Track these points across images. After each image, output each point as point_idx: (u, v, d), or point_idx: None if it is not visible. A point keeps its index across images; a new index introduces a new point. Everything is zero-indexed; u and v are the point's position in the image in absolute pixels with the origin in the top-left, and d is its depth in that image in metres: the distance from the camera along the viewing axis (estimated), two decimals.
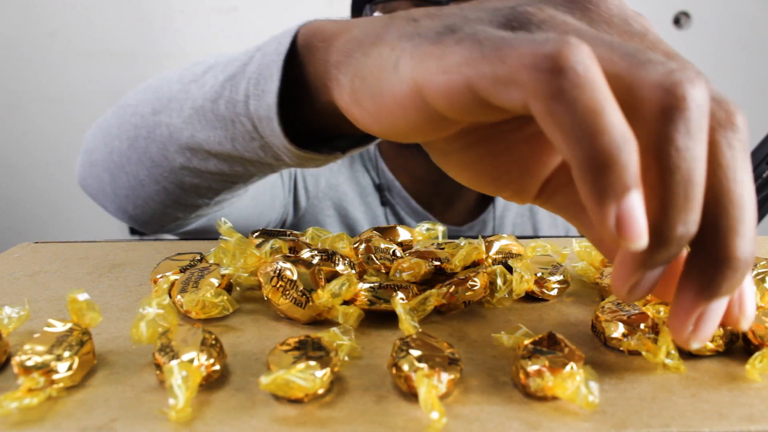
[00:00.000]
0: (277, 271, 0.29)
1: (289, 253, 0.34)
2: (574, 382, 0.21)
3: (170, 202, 0.46)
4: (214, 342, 0.24)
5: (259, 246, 0.34)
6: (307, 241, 0.38)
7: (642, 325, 0.26)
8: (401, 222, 0.78)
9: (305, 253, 0.32)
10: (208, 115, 0.36)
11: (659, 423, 0.21)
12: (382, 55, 0.23)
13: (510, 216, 0.80)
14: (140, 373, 0.24)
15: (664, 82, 0.18)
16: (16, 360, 0.22)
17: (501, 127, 0.25)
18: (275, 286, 0.29)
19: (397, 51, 0.23)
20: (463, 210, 0.79)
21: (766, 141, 0.66)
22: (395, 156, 0.77)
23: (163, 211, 0.48)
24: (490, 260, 0.36)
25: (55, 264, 0.39)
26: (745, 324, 0.22)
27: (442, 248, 0.35)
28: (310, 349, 0.23)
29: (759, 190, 0.66)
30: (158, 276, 0.32)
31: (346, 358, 0.25)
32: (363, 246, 0.35)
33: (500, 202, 0.80)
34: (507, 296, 0.31)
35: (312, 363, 0.22)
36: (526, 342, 0.24)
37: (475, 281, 0.30)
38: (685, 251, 0.22)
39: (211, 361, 0.23)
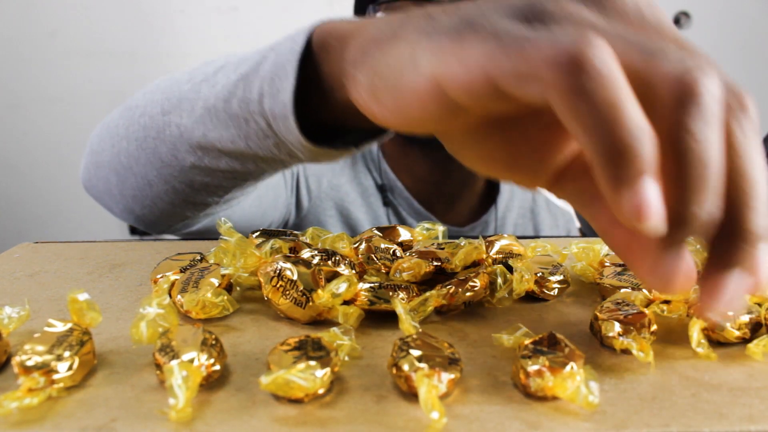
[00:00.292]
0: (278, 271, 0.29)
1: (290, 253, 0.34)
2: (574, 382, 0.21)
3: (179, 201, 0.46)
4: (214, 342, 0.24)
5: (259, 246, 0.34)
6: (307, 241, 0.38)
7: (638, 324, 0.26)
8: (403, 222, 0.78)
9: (305, 253, 0.32)
10: (221, 115, 0.37)
11: (659, 423, 0.21)
12: (400, 52, 0.24)
13: (511, 217, 0.80)
14: (140, 373, 0.24)
15: (678, 72, 0.19)
16: (16, 360, 0.22)
17: (518, 116, 0.26)
18: (275, 286, 0.29)
19: (415, 47, 0.23)
20: (465, 211, 0.79)
21: (766, 141, 0.66)
22: (398, 156, 0.77)
23: (172, 211, 0.48)
24: (490, 260, 0.36)
25: (55, 264, 0.39)
26: (713, 315, 0.22)
27: (443, 248, 0.35)
28: (310, 349, 0.23)
29: None
30: (158, 276, 0.32)
31: (346, 358, 0.25)
32: (363, 246, 0.35)
33: (502, 202, 0.80)
34: (507, 296, 0.31)
35: (312, 363, 0.22)
36: (527, 342, 0.24)
37: (476, 282, 0.30)
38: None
39: (212, 361, 0.23)
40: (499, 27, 0.21)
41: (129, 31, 1.67)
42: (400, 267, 0.33)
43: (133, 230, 1.76)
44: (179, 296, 0.29)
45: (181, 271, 0.33)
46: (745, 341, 0.27)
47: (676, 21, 1.75)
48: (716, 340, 0.27)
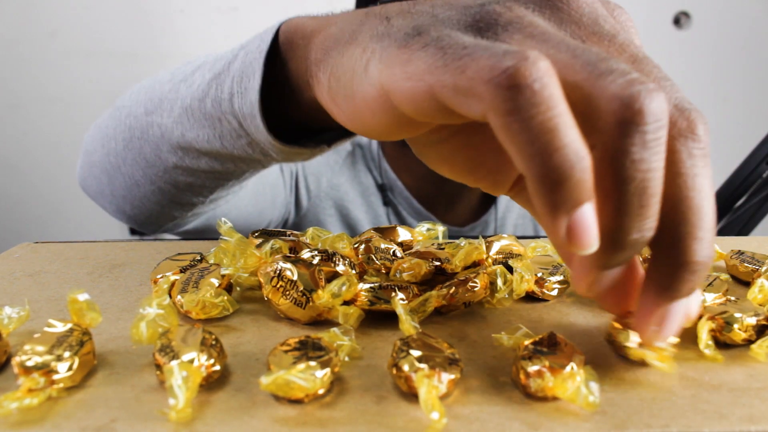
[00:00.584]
0: (278, 272, 0.29)
1: (289, 253, 0.34)
2: (574, 382, 0.21)
3: (166, 201, 0.46)
4: (214, 342, 0.24)
5: (259, 246, 0.34)
6: (307, 241, 0.38)
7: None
8: (403, 222, 0.78)
9: (305, 254, 0.32)
10: (196, 114, 0.37)
11: (659, 423, 0.21)
12: (354, 56, 0.24)
13: (512, 217, 0.80)
14: (140, 373, 0.24)
15: (622, 94, 0.18)
16: (16, 360, 0.22)
17: (476, 121, 0.26)
18: (275, 286, 0.29)
19: (368, 53, 0.23)
20: (466, 211, 0.79)
21: (766, 141, 0.66)
22: (398, 156, 0.77)
23: (160, 211, 0.48)
24: (490, 260, 0.36)
25: (55, 264, 0.39)
26: (660, 343, 0.24)
27: (443, 248, 0.35)
28: (311, 350, 0.23)
29: (759, 190, 0.66)
30: (158, 276, 0.32)
31: (347, 359, 0.25)
32: (363, 246, 0.35)
33: (502, 203, 0.80)
34: (507, 296, 0.31)
35: (312, 363, 0.22)
36: (527, 342, 0.24)
37: (476, 282, 0.30)
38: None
39: (212, 361, 0.23)
40: (446, 39, 0.20)
41: (129, 31, 1.67)
42: (400, 267, 0.33)
43: (133, 230, 1.75)
44: (179, 296, 0.29)
45: (181, 272, 0.33)
46: (749, 343, 0.27)
47: (676, 21, 1.75)
48: (723, 342, 0.27)
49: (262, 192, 0.64)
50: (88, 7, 1.65)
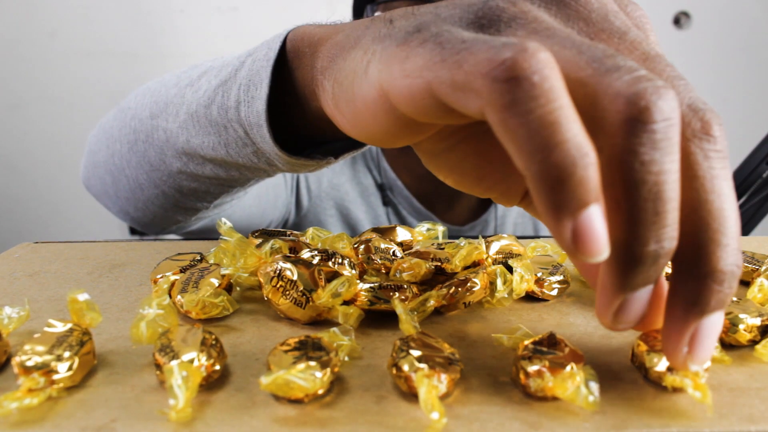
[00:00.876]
0: (278, 272, 0.29)
1: (289, 253, 0.34)
2: (574, 382, 0.21)
3: (169, 205, 0.46)
4: (214, 342, 0.24)
5: (259, 246, 0.34)
6: (307, 241, 0.38)
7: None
8: (403, 222, 0.78)
9: (305, 253, 0.32)
10: (202, 121, 0.36)
11: (659, 423, 0.21)
12: (356, 59, 0.23)
13: (512, 216, 0.81)
14: (140, 373, 0.24)
15: (628, 92, 0.17)
16: (16, 360, 0.22)
17: (484, 127, 0.24)
18: (275, 286, 0.29)
19: (368, 54, 0.22)
20: (465, 210, 0.79)
21: (766, 141, 0.66)
22: (397, 155, 0.77)
23: (163, 215, 0.48)
24: (490, 260, 0.36)
25: (55, 264, 0.39)
26: (693, 366, 0.21)
27: (442, 248, 0.35)
28: (310, 350, 0.23)
29: (759, 190, 0.66)
30: (158, 276, 0.32)
31: (347, 359, 0.25)
32: (363, 246, 0.35)
33: None
34: (507, 296, 0.31)
35: (312, 363, 0.22)
36: (527, 342, 0.24)
37: (476, 282, 0.30)
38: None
39: (211, 361, 0.23)
40: (445, 34, 0.20)
41: (129, 31, 1.67)
42: (400, 267, 0.33)
43: (133, 230, 1.75)
44: (179, 296, 0.29)
45: (181, 271, 0.33)
46: (754, 343, 0.27)
47: (676, 21, 1.75)
48: (728, 343, 0.27)
49: (265, 193, 0.64)
50: (88, 7, 1.65)
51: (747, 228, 0.68)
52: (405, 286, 0.30)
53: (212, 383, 0.24)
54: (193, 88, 0.38)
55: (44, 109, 1.71)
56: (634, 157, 0.17)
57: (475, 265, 0.35)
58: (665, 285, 0.22)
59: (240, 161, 0.36)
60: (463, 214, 0.80)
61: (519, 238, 0.40)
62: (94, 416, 0.21)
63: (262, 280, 0.29)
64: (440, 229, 0.40)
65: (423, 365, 0.22)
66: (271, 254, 0.33)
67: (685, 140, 0.19)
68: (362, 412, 0.22)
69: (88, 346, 0.24)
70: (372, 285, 0.30)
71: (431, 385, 0.21)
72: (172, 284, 0.31)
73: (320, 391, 0.22)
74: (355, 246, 0.36)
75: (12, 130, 1.72)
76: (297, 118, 0.33)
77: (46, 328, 0.24)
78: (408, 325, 0.26)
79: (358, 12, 0.69)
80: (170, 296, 0.30)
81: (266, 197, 0.64)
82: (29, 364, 0.22)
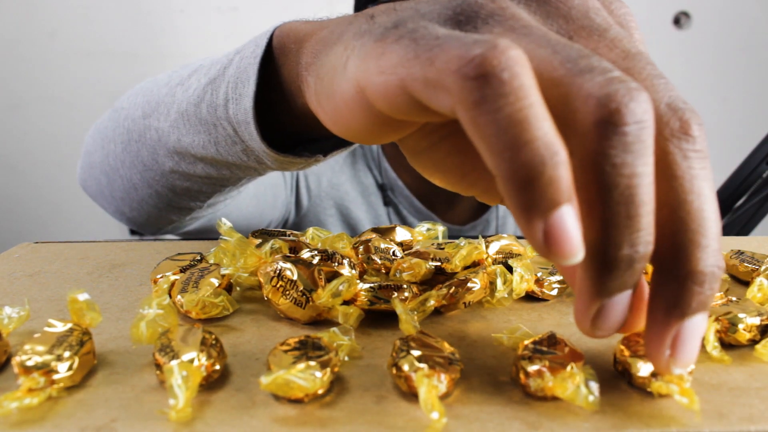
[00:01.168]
0: (277, 271, 0.29)
1: (289, 253, 0.34)
2: (574, 382, 0.21)
3: (163, 205, 0.46)
4: (214, 342, 0.24)
5: (259, 246, 0.34)
6: (307, 241, 0.38)
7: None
8: (404, 222, 0.78)
9: (305, 253, 0.32)
10: (192, 119, 0.36)
11: (659, 423, 0.21)
12: (336, 55, 0.23)
13: (512, 216, 0.80)
14: (140, 373, 0.24)
15: (599, 93, 0.17)
16: (16, 360, 0.22)
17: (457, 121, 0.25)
18: (275, 286, 0.29)
19: (348, 50, 0.22)
20: (466, 209, 0.79)
21: (766, 141, 0.66)
22: (398, 155, 0.77)
23: (157, 214, 0.48)
24: (490, 260, 0.36)
25: (55, 264, 0.39)
26: (677, 370, 0.21)
27: (442, 248, 0.35)
28: (310, 349, 0.23)
29: (759, 190, 0.66)
30: (158, 276, 0.32)
31: (346, 358, 0.25)
32: (363, 246, 0.35)
33: None
34: (507, 296, 0.31)
35: (312, 363, 0.22)
36: (527, 342, 0.24)
37: (476, 282, 0.30)
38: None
39: (211, 361, 0.23)
40: (420, 30, 0.19)
41: (129, 31, 1.67)
42: (400, 267, 0.33)
43: (133, 230, 1.75)
44: (179, 296, 0.29)
45: (181, 271, 0.33)
46: (754, 343, 0.27)
47: (676, 21, 1.75)
48: (728, 343, 0.27)
49: (263, 192, 0.64)
50: (88, 7, 1.65)
51: (747, 228, 0.68)
52: (405, 286, 0.30)
53: (212, 383, 0.24)
54: (184, 87, 0.38)
55: (44, 109, 1.71)
56: (605, 159, 0.17)
57: (475, 265, 0.35)
58: (646, 287, 0.21)
59: (230, 159, 0.36)
60: (464, 213, 0.80)
61: (520, 238, 0.40)
62: (94, 416, 0.21)
63: (262, 280, 0.29)
64: (440, 229, 0.40)
65: (423, 365, 0.22)
66: (271, 254, 0.33)
67: (663, 140, 0.19)
68: (362, 412, 0.22)
69: (88, 346, 0.24)
70: (372, 285, 0.30)
71: (431, 384, 0.21)
72: (172, 284, 0.31)
73: (320, 391, 0.22)
74: (355, 246, 0.36)
75: (12, 130, 1.72)
76: (284, 114, 0.33)
77: (46, 328, 0.24)
78: (408, 324, 0.26)
79: (359, 11, 0.69)
80: (170, 296, 0.30)
81: (264, 197, 0.64)
82: (29, 363, 0.22)
